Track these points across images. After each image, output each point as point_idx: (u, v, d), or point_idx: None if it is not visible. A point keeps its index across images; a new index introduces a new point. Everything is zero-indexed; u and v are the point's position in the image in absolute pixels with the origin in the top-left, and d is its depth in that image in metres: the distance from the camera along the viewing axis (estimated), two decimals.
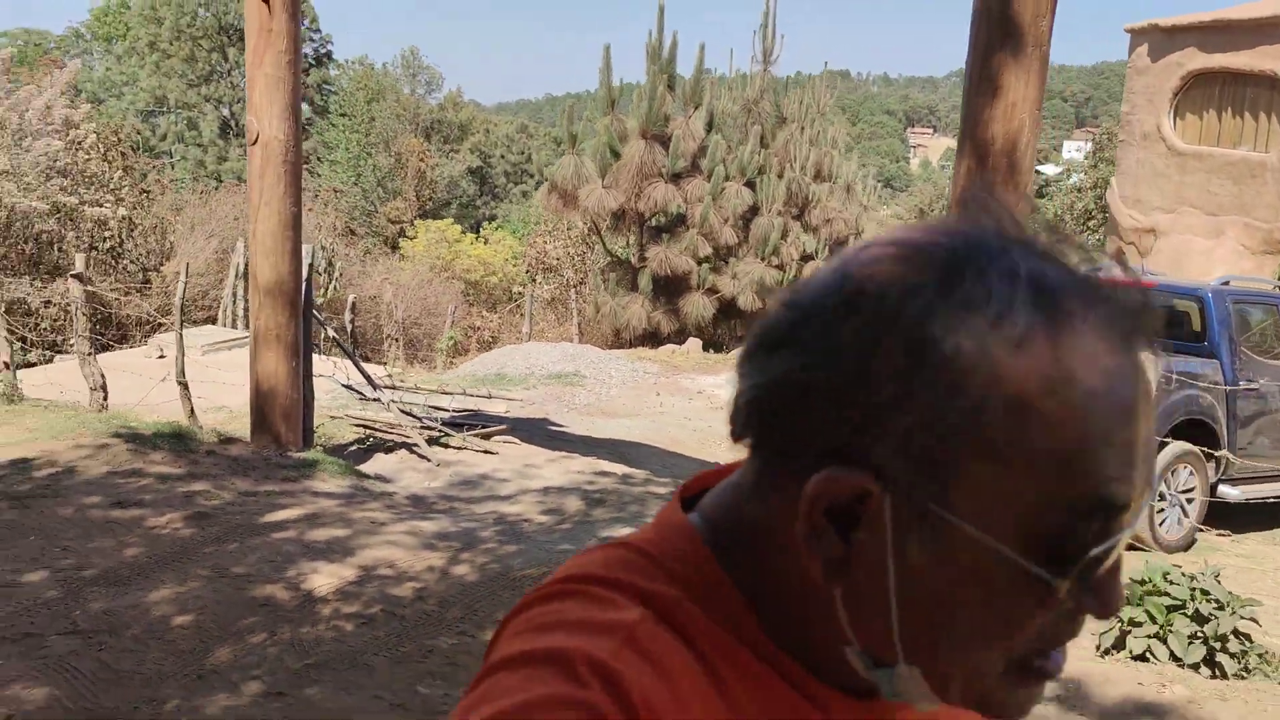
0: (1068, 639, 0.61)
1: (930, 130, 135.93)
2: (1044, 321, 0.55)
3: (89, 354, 8.43)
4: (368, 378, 8.78)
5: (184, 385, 8.17)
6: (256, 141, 6.94)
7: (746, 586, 0.64)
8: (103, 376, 8.47)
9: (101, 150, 15.22)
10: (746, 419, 0.62)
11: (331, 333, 9.38)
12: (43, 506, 5.98)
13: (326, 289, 17.01)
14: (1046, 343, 0.55)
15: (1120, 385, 0.56)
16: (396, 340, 17.46)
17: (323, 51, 56.43)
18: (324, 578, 5.19)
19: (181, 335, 8.34)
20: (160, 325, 12.80)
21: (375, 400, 8.77)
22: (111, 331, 14.07)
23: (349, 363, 9.49)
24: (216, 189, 23.96)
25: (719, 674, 0.61)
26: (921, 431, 0.55)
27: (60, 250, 13.92)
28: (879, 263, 0.59)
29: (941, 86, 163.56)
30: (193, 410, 8.18)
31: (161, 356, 11.89)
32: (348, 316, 15.20)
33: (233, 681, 4.04)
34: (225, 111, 50.87)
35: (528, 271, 22.25)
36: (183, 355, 8.29)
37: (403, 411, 8.41)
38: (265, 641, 4.44)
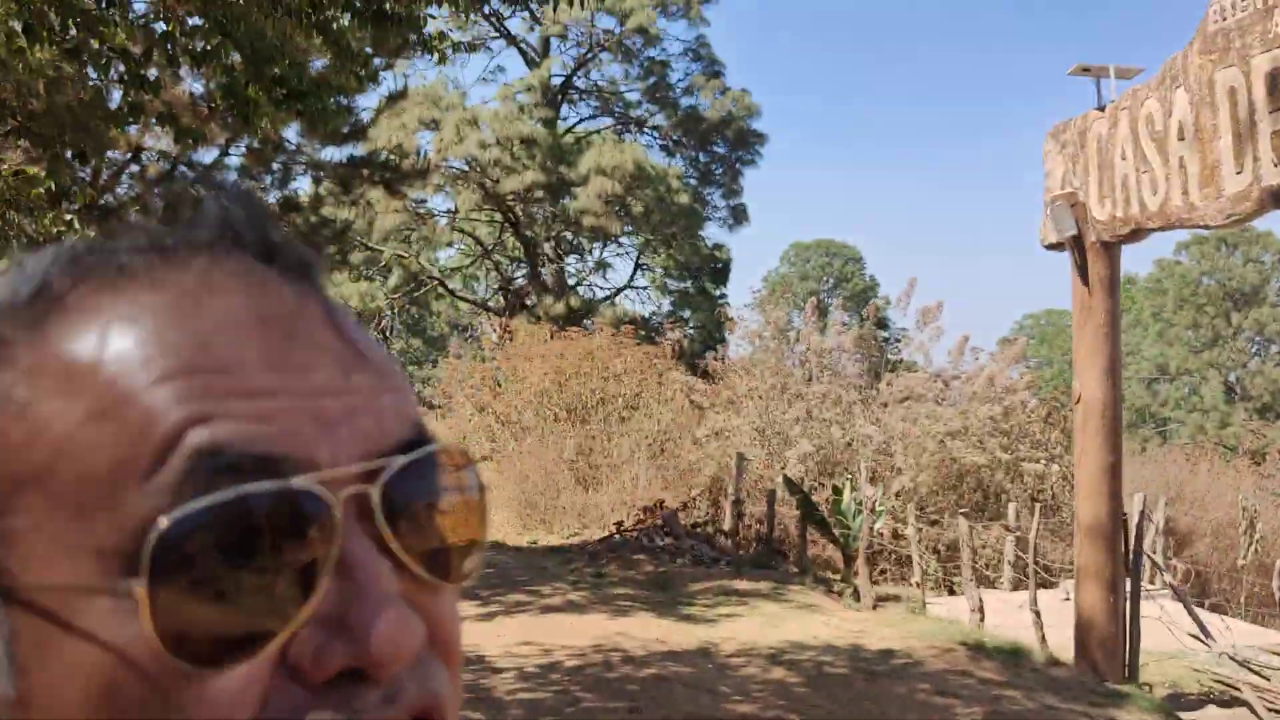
0: None
1: None
2: (70, 284, 0.43)
3: (970, 580, 10.16)
4: (1201, 625, 8.83)
5: (1036, 614, 9.34)
6: (1079, 400, 8.12)
7: None
8: (980, 600, 10.09)
9: (1043, 414, 17.37)
10: None
11: (1169, 579, 9.58)
12: (885, 684, 7.72)
13: (1247, 550, 16.20)
14: (84, 299, 0.42)
15: (186, 307, 0.41)
16: None
17: None
18: None
19: (1033, 570, 9.58)
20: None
21: (1223, 652, 8.72)
22: (1040, 574, 15.65)
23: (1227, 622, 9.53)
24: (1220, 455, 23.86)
25: None
26: None
27: (1002, 500, 16.14)
28: None
29: None
30: (1043, 637, 9.27)
31: (1067, 599, 13.00)
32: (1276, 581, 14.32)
33: None
34: (1231, 377, 50.40)
35: None
36: (1034, 586, 9.52)
37: (1242, 665, 8.27)
38: None
